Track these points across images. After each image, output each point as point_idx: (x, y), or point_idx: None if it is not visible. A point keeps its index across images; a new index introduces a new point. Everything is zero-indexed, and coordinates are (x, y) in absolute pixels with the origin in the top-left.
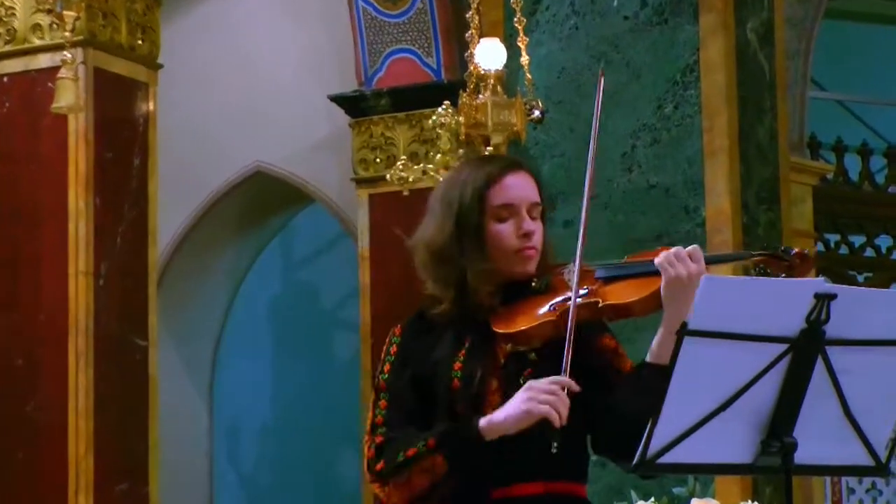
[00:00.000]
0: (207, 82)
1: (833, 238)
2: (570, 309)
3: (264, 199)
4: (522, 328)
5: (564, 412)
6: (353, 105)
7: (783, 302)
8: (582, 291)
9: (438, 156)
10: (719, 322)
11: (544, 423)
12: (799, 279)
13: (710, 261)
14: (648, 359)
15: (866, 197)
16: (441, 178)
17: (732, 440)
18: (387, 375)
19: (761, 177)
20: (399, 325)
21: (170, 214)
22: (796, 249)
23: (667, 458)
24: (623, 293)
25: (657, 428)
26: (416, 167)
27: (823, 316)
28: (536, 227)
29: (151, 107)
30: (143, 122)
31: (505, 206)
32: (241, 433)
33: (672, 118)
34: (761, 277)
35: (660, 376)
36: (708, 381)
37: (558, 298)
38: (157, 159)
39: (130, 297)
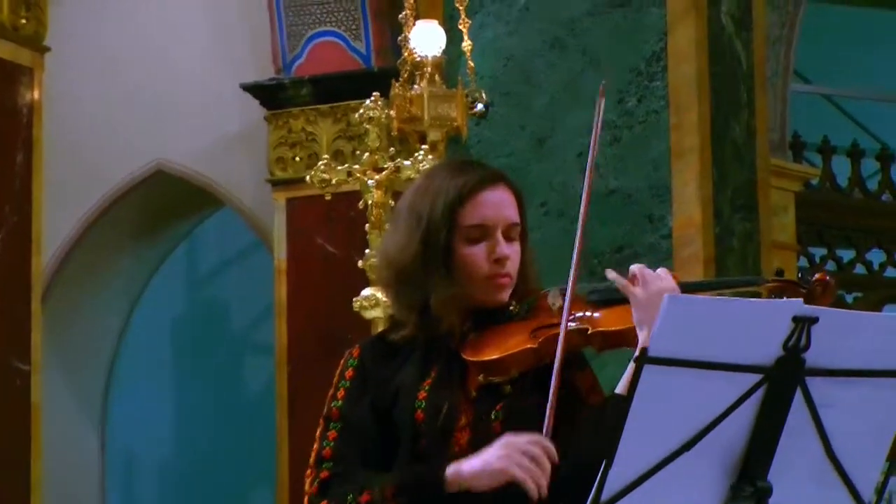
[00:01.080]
0: (103, 68)
1: (818, 252)
2: (554, 336)
3: (166, 202)
4: (497, 356)
5: (544, 484)
6: (270, 95)
7: (757, 326)
8: (570, 317)
9: (366, 155)
10: (684, 348)
11: (518, 485)
12: (776, 300)
13: (712, 287)
14: (617, 390)
15: (856, 205)
16: (413, 183)
17: (699, 484)
18: (340, 403)
19: (737, 181)
20: (357, 346)
21: (57, 219)
22: (817, 275)
23: None
24: (615, 320)
25: (612, 470)
26: (340, 168)
27: (803, 342)
28: (512, 252)
29: (37, 95)
30: (26, 112)
31: (477, 227)
32: (137, 470)
33: (635, 114)
34: (733, 298)
35: (624, 410)
36: (671, 416)
37: (541, 325)
38: (43, 156)
39: (10, 314)
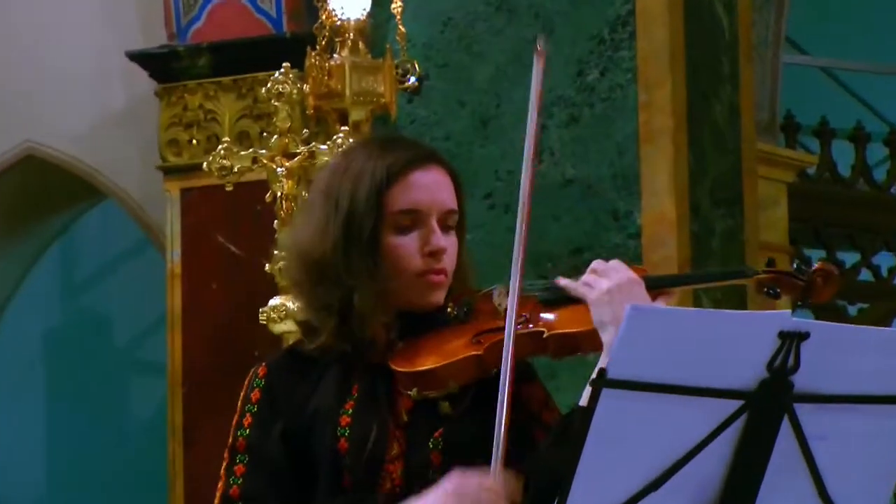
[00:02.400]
0: None
1: (815, 255)
2: (501, 341)
3: (37, 193)
4: (433, 365)
5: None
6: (161, 66)
7: (736, 342)
8: (520, 319)
9: (275, 138)
10: (650, 369)
11: None
12: (759, 312)
13: (686, 281)
14: (582, 402)
15: (861, 199)
16: (328, 164)
17: None
18: (247, 431)
19: (718, 170)
20: (264, 365)
21: None
22: (818, 264)
23: None
24: (574, 320)
25: None
26: (244, 153)
27: (791, 362)
28: (449, 243)
29: None
30: None
31: (408, 213)
32: None
33: (597, 89)
34: (707, 310)
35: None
36: (634, 450)
37: (484, 329)
38: None
39: None
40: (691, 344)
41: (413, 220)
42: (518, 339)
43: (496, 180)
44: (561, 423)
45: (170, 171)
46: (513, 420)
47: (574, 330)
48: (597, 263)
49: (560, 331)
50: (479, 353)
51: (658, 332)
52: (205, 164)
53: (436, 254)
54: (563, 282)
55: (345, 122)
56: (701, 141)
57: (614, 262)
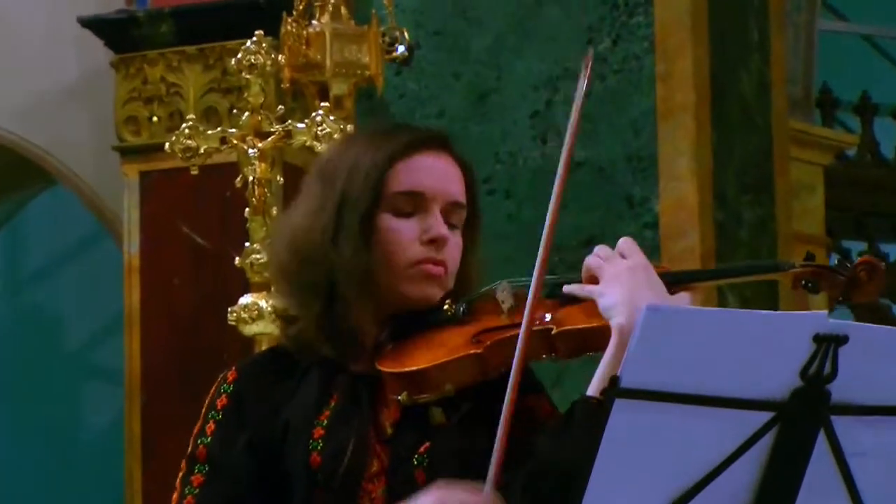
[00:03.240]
0: None
1: (856, 247)
2: (505, 341)
3: None
4: (427, 364)
5: None
6: (118, 33)
7: (767, 347)
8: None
9: (246, 115)
10: (668, 376)
11: None
12: (792, 313)
13: (712, 276)
14: (589, 391)
15: None
16: (328, 148)
17: None
18: (209, 440)
19: (746, 151)
20: (233, 369)
21: None
22: (861, 257)
23: None
24: (585, 315)
25: None
26: (211, 132)
27: (827, 369)
28: (453, 238)
29: None
30: None
31: (409, 195)
32: None
33: (609, 60)
34: (733, 310)
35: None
36: (651, 466)
37: (485, 328)
38: None
39: None
40: (715, 348)
41: (415, 204)
42: (527, 333)
43: (496, 163)
44: (564, 418)
45: (127, 152)
46: (515, 430)
47: (585, 325)
48: (601, 249)
49: (570, 327)
50: (479, 351)
51: (678, 335)
52: (167, 145)
53: (437, 242)
54: (570, 288)
55: (325, 98)
56: (726, 118)
57: (624, 244)
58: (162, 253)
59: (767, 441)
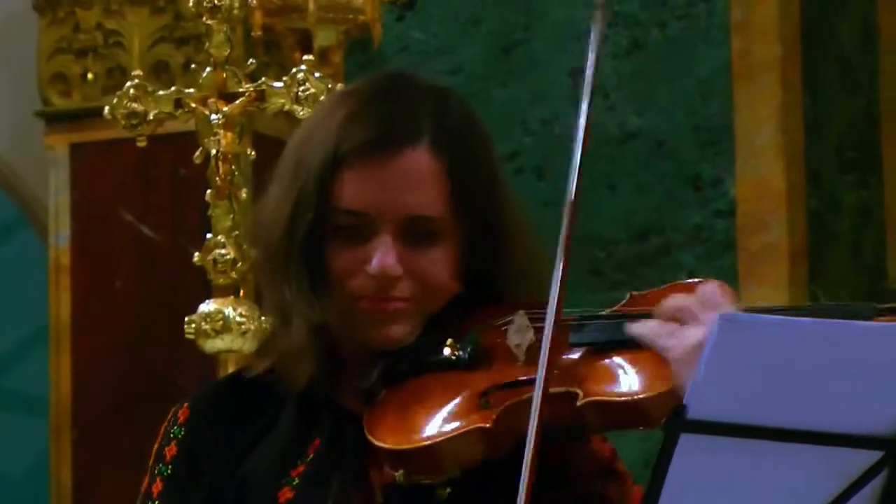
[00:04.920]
0: None
1: None
2: (519, 406)
3: None
4: (425, 443)
5: None
6: None
7: (872, 367)
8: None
9: (207, 71)
10: (748, 406)
11: None
12: None
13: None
14: None
15: None
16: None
17: None
18: (156, 502)
19: (846, 120)
20: (186, 405)
21: None
22: None
23: None
24: (622, 377)
25: None
26: (163, 93)
27: None
28: (418, 260)
29: None
30: None
31: (353, 214)
32: None
33: (671, 3)
34: (832, 320)
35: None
36: None
37: (496, 382)
38: None
39: None
40: (807, 369)
41: (360, 224)
42: (543, 405)
43: (525, 134)
44: None
45: (54, 119)
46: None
47: (624, 397)
48: (694, 296)
49: (602, 398)
50: (487, 425)
51: (760, 353)
52: (106, 109)
53: (375, 277)
54: (634, 329)
55: (308, 50)
56: (821, 78)
57: (712, 291)
58: (99, 248)
59: (874, 487)
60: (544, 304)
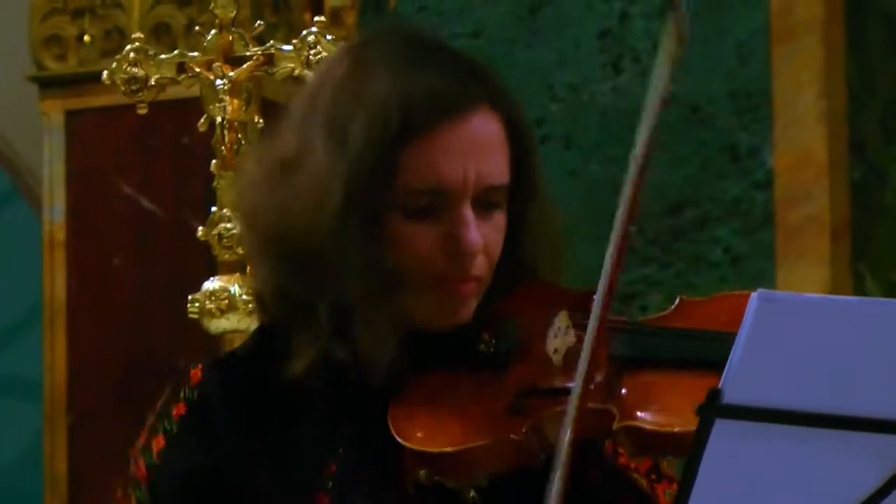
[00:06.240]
0: None
1: None
2: (552, 416)
3: None
4: (450, 449)
5: None
6: None
7: None
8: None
9: (212, 34)
10: (787, 391)
11: None
12: None
13: None
14: None
15: None
16: (325, 71)
17: None
18: (154, 459)
19: (894, 84)
20: (199, 367)
21: None
22: None
23: None
24: (674, 405)
25: None
26: (165, 56)
27: None
28: (490, 233)
29: None
30: None
31: (426, 193)
32: None
33: None
34: (877, 299)
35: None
36: None
37: (530, 386)
38: None
39: None
40: (849, 351)
41: (434, 201)
42: (579, 421)
43: (551, 100)
44: None
45: (49, 84)
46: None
47: (667, 428)
48: None
49: (641, 425)
50: (517, 438)
51: (800, 335)
52: (104, 74)
53: (464, 255)
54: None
55: (319, 10)
56: (867, 39)
57: None
58: (96, 221)
59: None
60: (586, 299)
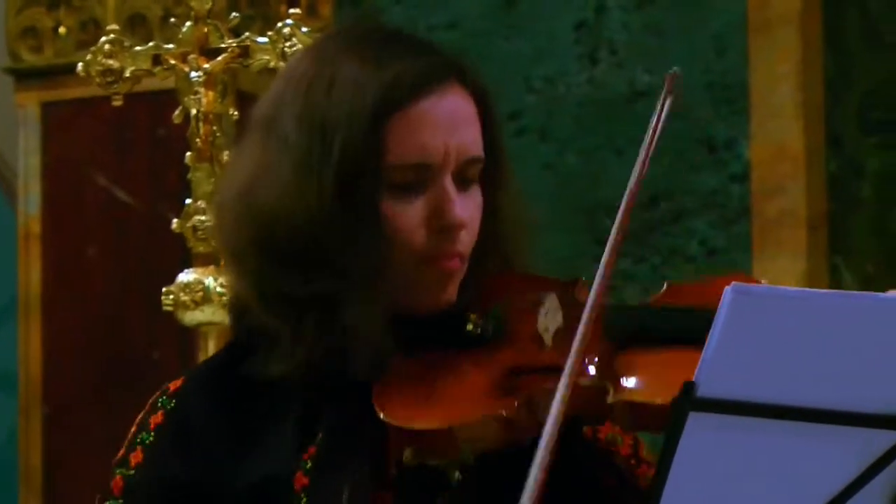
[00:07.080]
0: None
1: None
2: (541, 393)
3: None
4: (438, 425)
5: None
6: None
7: (888, 341)
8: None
9: (188, 25)
10: (760, 384)
11: None
12: None
13: None
14: None
15: None
16: (293, 68)
17: None
18: (132, 472)
19: (872, 78)
20: (182, 378)
21: None
22: None
23: None
24: (660, 376)
25: None
26: (140, 48)
27: None
28: (469, 208)
29: None
30: None
31: (412, 168)
32: None
33: None
34: (850, 292)
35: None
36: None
37: (520, 364)
38: None
39: None
40: (825, 344)
41: (417, 175)
42: (575, 394)
43: (527, 92)
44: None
45: (24, 76)
46: (577, 489)
47: (663, 401)
48: None
49: (636, 399)
50: (507, 414)
51: (776, 328)
52: (79, 66)
53: (451, 230)
54: None
55: (294, 2)
56: (844, 32)
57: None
58: (71, 213)
59: (894, 469)
60: (570, 286)
